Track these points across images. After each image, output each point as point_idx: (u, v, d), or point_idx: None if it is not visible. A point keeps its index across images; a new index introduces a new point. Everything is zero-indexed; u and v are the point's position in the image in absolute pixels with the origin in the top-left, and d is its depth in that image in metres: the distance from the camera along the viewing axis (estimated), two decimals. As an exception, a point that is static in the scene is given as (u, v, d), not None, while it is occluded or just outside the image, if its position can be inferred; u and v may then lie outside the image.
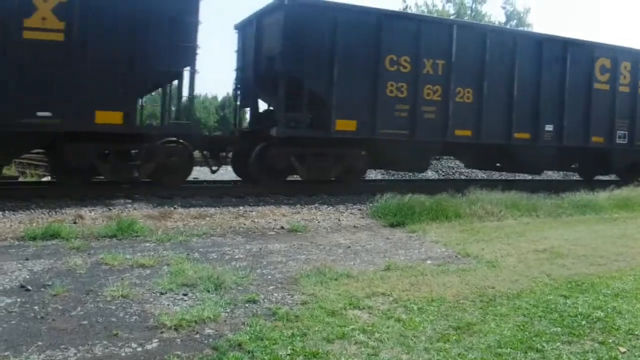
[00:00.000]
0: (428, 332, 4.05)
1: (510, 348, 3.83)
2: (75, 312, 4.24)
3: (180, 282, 4.99)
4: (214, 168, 11.48)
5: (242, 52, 12.93)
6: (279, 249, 6.81)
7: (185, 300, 4.59)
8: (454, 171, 18.18)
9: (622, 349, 3.90)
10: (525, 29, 40.45)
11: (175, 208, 9.04)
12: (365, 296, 4.85)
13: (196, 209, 9.07)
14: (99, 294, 4.68)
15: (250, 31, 12.29)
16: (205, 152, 11.49)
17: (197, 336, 3.85)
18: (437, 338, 3.95)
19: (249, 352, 3.56)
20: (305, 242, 7.32)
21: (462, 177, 17.64)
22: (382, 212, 9.46)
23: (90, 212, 8.30)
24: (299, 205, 10.07)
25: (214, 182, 12.24)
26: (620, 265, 6.57)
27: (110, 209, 8.64)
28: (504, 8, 46.92)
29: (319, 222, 8.92)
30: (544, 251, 7.17)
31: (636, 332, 4.25)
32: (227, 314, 4.29)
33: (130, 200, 9.25)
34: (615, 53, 14.73)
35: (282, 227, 8.29)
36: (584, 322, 4.43)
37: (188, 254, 6.23)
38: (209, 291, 4.81)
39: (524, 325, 4.31)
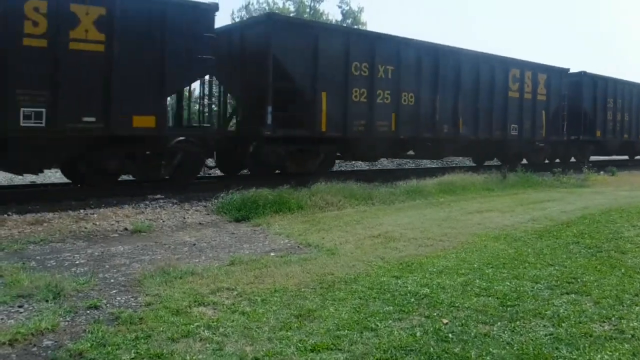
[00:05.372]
0: (271, 322, 4.24)
1: (348, 330, 4.11)
2: None
3: (15, 294, 4.73)
4: None
5: None
6: (122, 252, 6.66)
7: (21, 313, 4.36)
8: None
9: (445, 320, 4.35)
10: (360, 27, 42.57)
11: (9, 215, 8.40)
12: (210, 292, 4.94)
13: (32, 215, 8.51)
14: None
15: None
16: None
17: (35, 349, 3.70)
18: (280, 327, 4.15)
19: (91, 360, 3.52)
20: (150, 243, 7.22)
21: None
22: (227, 208, 9.55)
23: None
24: (142, 205, 9.82)
25: (53, 185, 11.49)
26: (445, 245, 7.26)
27: None
28: (340, 7, 49.43)
29: (163, 221, 8.79)
30: (379, 236, 7.71)
31: (457, 304, 4.74)
32: (66, 323, 4.16)
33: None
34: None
35: (126, 229, 8.08)
36: (412, 300, 4.86)
37: (24, 263, 5.89)
38: (47, 300, 4.61)
39: (360, 307, 4.64)
